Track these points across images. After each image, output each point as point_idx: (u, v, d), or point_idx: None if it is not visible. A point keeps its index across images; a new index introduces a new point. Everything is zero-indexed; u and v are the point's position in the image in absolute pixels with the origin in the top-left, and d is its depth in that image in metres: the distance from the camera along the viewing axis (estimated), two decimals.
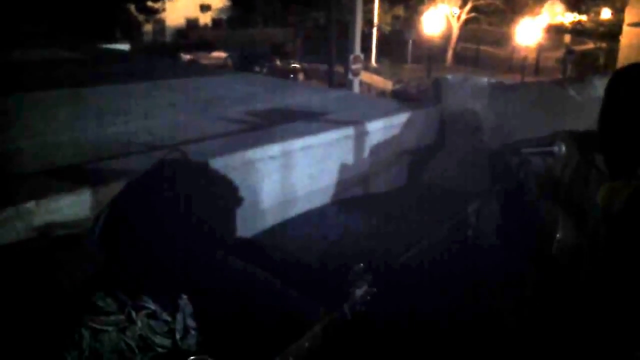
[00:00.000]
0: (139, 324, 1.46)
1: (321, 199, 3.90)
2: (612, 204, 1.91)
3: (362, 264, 1.83)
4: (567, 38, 34.74)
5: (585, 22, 34.64)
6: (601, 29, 32.98)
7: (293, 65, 25.81)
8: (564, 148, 1.95)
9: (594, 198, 1.97)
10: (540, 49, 30.05)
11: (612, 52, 28.35)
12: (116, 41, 19.56)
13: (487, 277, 2.21)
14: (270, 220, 3.49)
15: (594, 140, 1.93)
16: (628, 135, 1.76)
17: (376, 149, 4.23)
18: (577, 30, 34.83)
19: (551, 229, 2.01)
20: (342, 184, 4.01)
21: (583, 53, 30.58)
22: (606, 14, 33.55)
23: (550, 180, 2.12)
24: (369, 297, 1.83)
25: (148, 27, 33.75)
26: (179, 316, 1.59)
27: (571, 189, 2.08)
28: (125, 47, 17.18)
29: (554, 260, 2.03)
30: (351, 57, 14.84)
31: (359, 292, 1.83)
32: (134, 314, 1.44)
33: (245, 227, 3.25)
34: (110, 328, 1.39)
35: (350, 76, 15.04)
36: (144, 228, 1.45)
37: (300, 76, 24.21)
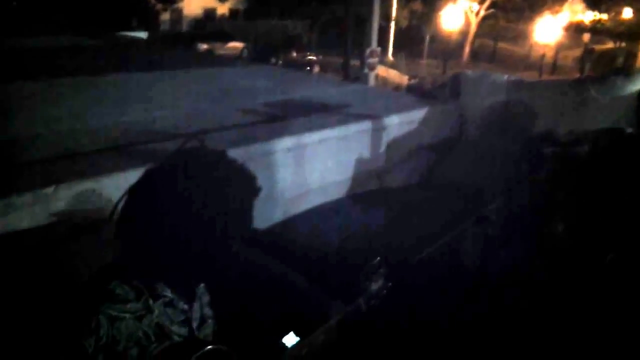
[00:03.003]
0: (156, 312, 1.46)
1: (336, 193, 3.89)
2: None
3: (378, 258, 1.82)
4: (586, 37, 34.28)
5: (605, 21, 34.16)
6: (621, 28, 32.52)
7: (309, 57, 25.72)
8: (587, 148, 1.93)
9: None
10: (559, 48, 29.68)
11: (632, 52, 27.96)
12: (133, 30, 19.59)
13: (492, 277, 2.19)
14: (286, 212, 3.48)
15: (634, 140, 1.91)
16: None
17: (392, 144, 4.20)
18: (597, 29, 34.35)
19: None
20: (357, 178, 3.99)
21: (602, 52, 30.17)
22: (627, 13, 33.04)
23: (587, 172, 2.08)
24: (384, 292, 1.82)
25: (165, 17, 33.78)
26: (196, 305, 1.58)
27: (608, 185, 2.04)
28: (142, 35, 17.21)
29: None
30: (368, 50, 14.74)
31: (374, 287, 1.82)
32: (151, 302, 1.44)
33: (262, 218, 3.24)
34: (127, 315, 1.39)
35: (366, 70, 14.94)
36: (161, 216, 1.44)
37: (316, 68, 24.12)
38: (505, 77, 4.49)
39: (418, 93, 5.62)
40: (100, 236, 1.53)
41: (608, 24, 33.73)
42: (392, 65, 27.13)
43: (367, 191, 4.02)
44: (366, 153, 4.06)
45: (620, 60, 29.04)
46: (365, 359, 1.79)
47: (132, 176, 1.57)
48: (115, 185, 2.43)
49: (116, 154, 2.93)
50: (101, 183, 2.48)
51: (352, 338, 1.73)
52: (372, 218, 3.58)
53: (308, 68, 22.79)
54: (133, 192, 1.53)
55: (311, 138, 3.65)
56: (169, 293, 1.49)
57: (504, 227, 1.93)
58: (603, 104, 3.91)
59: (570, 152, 2.00)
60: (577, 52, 29.87)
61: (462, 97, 4.54)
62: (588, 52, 28.57)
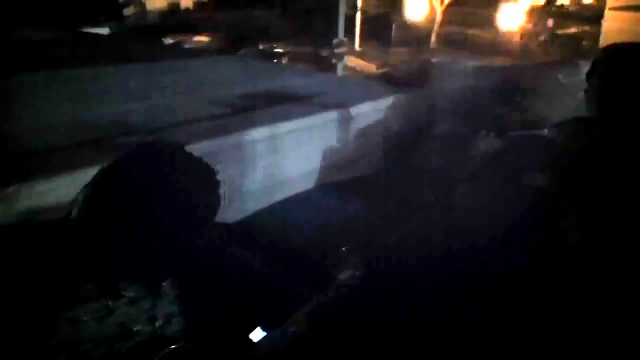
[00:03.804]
0: (119, 311, 1.42)
1: (307, 183, 3.87)
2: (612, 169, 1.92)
3: (346, 248, 1.81)
4: (550, 22, 34.73)
5: (568, 5, 34.70)
6: (584, 12, 33.04)
7: (277, 48, 25.56)
8: (555, 129, 1.94)
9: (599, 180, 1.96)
10: (524, 32, 30.07)
11: (595, 36, 28.45)
12: (96, 24, 19.13)
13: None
14: (255, 204, 3.46)
15: (588, 125, 1.94)
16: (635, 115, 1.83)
17: (362, 133, 4.20)
18: (561, 13, 34.83)
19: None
20: (327, 168, 3.98)
21: (567, 36, 30.64)
22: None
23: (544, 164, 2.10)
24: (352, 281, 1.81)
25: (129, 11, 33.13)
26: (160, 303, 1.55)
27: (566, 174, 2.06)
28: (105, 29, 16.82)
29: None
30: (335, 40, 14.73)
31: (343, 276, 1.82)
32: (113, 302, 1.41)
33: (230, 211, 3.21)
34: (88, 316, 1.36)
35: (334, 60, 14.94)
36: (121, 213, 1.40)
37: (284, 59, 24.00)
38: (472, 63, 4.52)
39: (387, 81, 5.62)
40: (61, 235, 1.48)
41: (572, 8, 34.24)
42: (361, 54, 27.13)
43: (338, 180, 4.02)
44: (336, 142, 4.05)
45: (585, 43, 29.56)
46: (336, 349, 1.78)
47: (92, 173, 1.53)
48: (78, 183, 2.36)
49: (81, 151, 2.86)
50: (64, 181, 2.42)
51: (322, 328, 1.72)
52: (344, 207, 3.57)
53: (277, 59, 22.66)
54: (91, 188, 1.49)
55: (280, 129, 3.62)
56: (131, 292, 1.46)
57: (469, 212, 1.94)
58: (567, 86, 3.97)
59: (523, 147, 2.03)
60: (543, 36, 30.27)
61: (430, 85, 4.57)
62: (553, 36, 28.99)
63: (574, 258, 1.96)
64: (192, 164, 1.51)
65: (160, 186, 1.43)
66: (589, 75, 1.98)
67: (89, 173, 2.40)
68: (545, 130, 1.89)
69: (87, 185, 1.42)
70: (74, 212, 1.45)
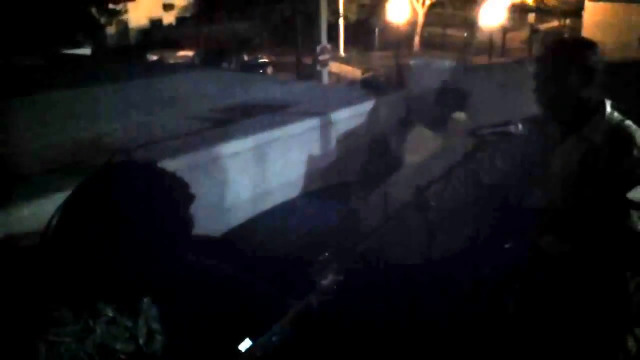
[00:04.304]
0: (98, 331, 1.42)
1: (290, 192, 3.89)
2: (567, 166, 1.97)
3: (327, 254, 1.82)
4: (531, 17, 35.03)
5: (548, 0, 34.95)
6: (564, 6, 33.37)
7: (261, 59, 25.64)
8: (520, 127, 1.97)
9: (553, 165, 2.01)
10: (505, 30, 30.30)
11: (577, 29, 28.76)
12: (78, 46, 19.11)
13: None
14: (240, 216, 3.46)
15: (541, 123, 1.99)
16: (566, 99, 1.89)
17: (342, 138, 4.22)
18: (541, 9, 35.13)
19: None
20: (309, 176, 4.00)
21: (547, 32, 30.92)
22: None
23: (511, 159, 2.14)
24: (335, 287, 1.82)
25: (111, 30, 33.12)
26: (141, 320, 1.55)
27: (533, 163, 2.11)
28: (86, 51, 16.81)
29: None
30: (318, 48, 14.79)
31: (325, 282, 1.83)
32: (91, 322, 1.41)
33: (214, 224, 3.22)
34: (67, 339, 1.35)
35: (318, 67, 14.99)
36: (95, 233, 1.41)
37: (269, 69, 24.06)
38: (448, 63, 4.56)
39: (370, 86, 5.66)
40: (36, 259, 1.49)
41: (551, 3, 34.51)
42: (345, 60, 27.27)
43: (321, 187, 4.03)
44: (317, 149, 4.07)
45: (567, 37, 29.75)
46: (320, 356, 1.79)
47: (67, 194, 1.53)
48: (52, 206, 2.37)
49: (59, 175, 2.86)
50: (41, 206, 2.42)
51: (306, 336, 1.73)
52: (327, 214, 3.59)
53: (261, 70, 22.70)
54: (64, 210, 1.50)
55: (260, 139, 3.63)
56: (109, 311, 1.46)
57: (445, 212, 1.96)
58: None
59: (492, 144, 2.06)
60: (524, 33, 30.53)
61: (408, 86, 4.60)
62: (534, 32, 29.23)
63: (546, 260, 2.00)
64: (165, 179, 1.52)
65: (132, 203, 1.44)
66: (533, 75, 2.02)
67: (61, 197, 2.42)
68: (512, 128, 1.92)
69: (59, 208, 1.43)
70: (48, 234, 1.45)
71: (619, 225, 1.88)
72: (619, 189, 1.89)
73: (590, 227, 1.94)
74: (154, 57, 25.06)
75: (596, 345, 2.01)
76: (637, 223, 1.86)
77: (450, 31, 32.12)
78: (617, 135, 1.94)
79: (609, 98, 2.00)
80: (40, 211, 2.36)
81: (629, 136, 1.92)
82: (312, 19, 15.65)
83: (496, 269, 2.20)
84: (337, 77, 21.40)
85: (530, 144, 2.09)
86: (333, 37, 22.81)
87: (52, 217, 1.45)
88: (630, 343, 1.98)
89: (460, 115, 3.37)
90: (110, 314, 1.44)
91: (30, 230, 2.27)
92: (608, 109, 2.00)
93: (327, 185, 4.06)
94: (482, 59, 24.75)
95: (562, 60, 1.99)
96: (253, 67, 22.51)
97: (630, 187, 1.87)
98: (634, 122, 1.98)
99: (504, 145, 2.16)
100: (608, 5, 26.81)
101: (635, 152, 1.89)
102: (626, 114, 2.00)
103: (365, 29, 32.05)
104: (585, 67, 1.95)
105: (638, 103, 2.08)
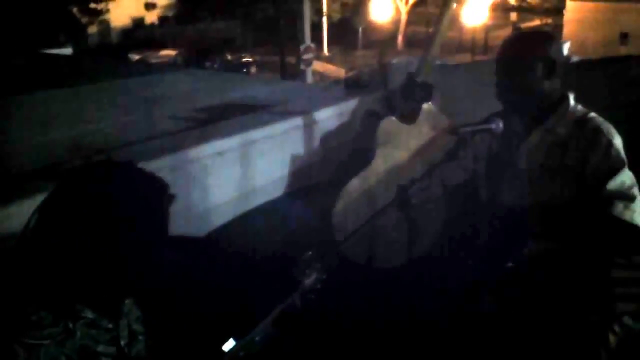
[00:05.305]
0: (79, 334, 1.41)
1: (273, 192, 3.88)
2: (534, 160, 1.98)
3: (310, 252, 1.81)
4: (514, 16, 35.39)
5: None
6: (546, 4, 33.75)
7: (245, 59, 25.57)
8: (501, 124, 1.98)
9: (519, 160, 2.02)
10: (488, 28, 30.57)
11: (559, 27, 29.13)
12: (59, 46, 18.89)
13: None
14: (223, 216, 3.45)
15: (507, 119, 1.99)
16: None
17: (326, 137, 4.22)
18: (523, 8, 35.49)
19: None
20: (293, 175, 3.99)
21: (530, 29, 31.23)
22: None
23: (492, 157, 2.15)
24: (319, 286, 1.82)
25: (92, 29, 32.80)
26: (122, 322, 1.54)
27: (500, 159, 2.11)
28: (67, 51, 16.62)
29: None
30: (302, 47, 14.81)
31: (308, 281, 1.82)
32: (70, 324, 1.39)
33: (197, 225, 3.21)
34: (46, 342, 1.34)
35: (302, 66, 15.01)
36: (74, 234, 1.39)
37: (253, 69, 24.00)
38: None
39: (355, 85, 5.67)
40: (15, 261, 1.47)
41: (533, 1, 34.88)
42: (329, 60, 27.32)
43: (304, 186, 4.03)
44: (299, 148, 4.06)
45: None
46: (304, 356, 1.79)
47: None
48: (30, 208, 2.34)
49: (40, 175, 2.83)
50: (22, 207, 2.39)
51: (289, 336, 1.73)
52: (311, 213, 3.59)
53: (244, 69, 22.64)
54: (42, 211, 1.48)
55: (242, 139, 3.62)
56: (89, 313, 1.45)
57: (426, 210, 1.97)
58: None
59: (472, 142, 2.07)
60: (507, 31, 30.83)
61: (390, 85, 4.61)
62: (516, 30, 29.55)
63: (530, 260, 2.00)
64: (145, 179, 1.51)
65: (111, 203, 1.42)
66: (495, 70, 2.03)
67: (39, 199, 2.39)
68: (493, 125, 1.93)
69: (37, 209, 1.42)
70: (26, 236, 1.43)
71: (603, 217, 1.86)
72: (595, 180, 1.89)
73: (569, 222, 1.94)
74: (136, 57, 24.89)
75: (579, 342, 2.03)
76: (624, 213, 1.84)
77: (432, 30, 32.28)
78: (584, 127, 1.94)
79: (592, 91, 2.02)
80: (18, 212, 2.33)
81: (596, 127, 1.93)
82: (295, 19, 15.65)
83: (476, 268, 2.20)
84: (321, 76, 21.42)
85: (498, 139, 2.09)
86: (316, 37, 22.85)
87: (30, 218, 1.43)
88: (612, 339, 2.00)
89: (428, 107, 3.45)
90: (90, 316, 1.43)
91: (6, 233, 2.24)
92: (571, 101, 2.01)
93: (309, 184, 4.06)
94: (464, 57, 24.95)
95: (522, 52, 1.97)
96: (236, 67, 22.44)
97: (607, 178, 1.86)
98: (603, 114, 1.98)
99: (482, 142, 2.18)
100: (588, 4, 27.21)
101: (604, 141, 1.89)
102: (590, 106, 2.01)
103: (349, 28, 32.14)
104: (546, 58, 1.94)
105: (619, 95, 2.09)
